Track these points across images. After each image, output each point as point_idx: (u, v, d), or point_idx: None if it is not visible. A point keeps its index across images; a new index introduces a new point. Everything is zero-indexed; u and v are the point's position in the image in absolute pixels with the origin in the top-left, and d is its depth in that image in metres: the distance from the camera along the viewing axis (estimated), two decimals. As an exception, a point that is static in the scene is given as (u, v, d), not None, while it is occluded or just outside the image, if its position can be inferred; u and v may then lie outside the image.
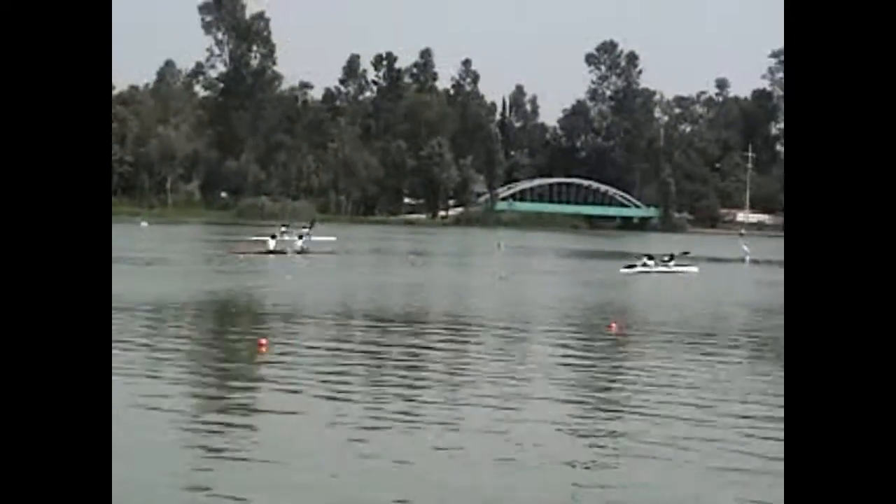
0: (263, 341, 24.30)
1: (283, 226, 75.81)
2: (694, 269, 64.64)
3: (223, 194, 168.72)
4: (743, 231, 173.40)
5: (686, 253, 65.20)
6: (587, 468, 14.46)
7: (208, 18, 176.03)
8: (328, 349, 24.67)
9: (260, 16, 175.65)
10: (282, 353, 23.40)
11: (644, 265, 62.16)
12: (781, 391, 21.32)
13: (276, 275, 48.27)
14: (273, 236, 66.93)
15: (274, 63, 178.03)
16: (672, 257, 64.25)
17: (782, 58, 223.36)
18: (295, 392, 18.98)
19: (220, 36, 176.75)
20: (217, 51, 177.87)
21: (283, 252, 64.58)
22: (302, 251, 66.85)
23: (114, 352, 17.62)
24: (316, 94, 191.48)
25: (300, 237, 69.96)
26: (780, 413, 18.83)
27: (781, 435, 16.79)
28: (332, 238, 75.22)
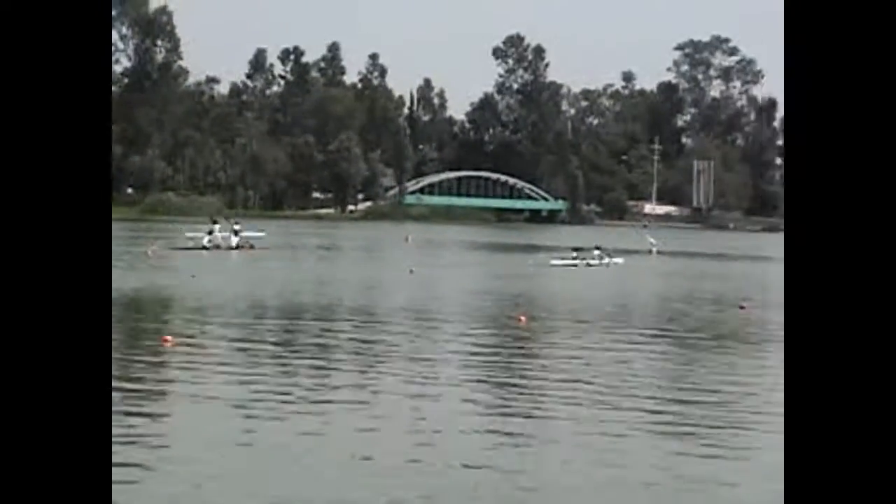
0: (168, 337, 24.01)
1: (214, 222, 73.74)
2: (620, 260, 66.29)
3: (129, 190, 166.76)
4: (646, 223, 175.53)
5: (598, 248, 66.08)
6: (488, 455, 14.45)
7: (112, 13, 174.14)
8: (236, 343, 24.45)
9: (163, 10, 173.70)
10: (187, 348, 23.14)
11: (574, 257, 63.57)
12: (679, 374, 21.73)
13: (209, 271, 47.82)
14: (210, 231, 67.37)
15: (179, 58, 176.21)
16: (599, 248, 66.02)
17: (687, 50, 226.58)
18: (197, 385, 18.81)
19: (123, 31, 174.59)
20: (121, 45, 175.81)
21: (218, 247, 64.85)
22: (239, 247, 67.06)
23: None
24: (223, 88, 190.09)
25: (235, 233, 69.59)
26: (677, 394, 19.14)
27: (676, 414, 17.15)
28: (263, 233, 74.59)
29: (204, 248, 64.35)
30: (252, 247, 67.12)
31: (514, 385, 20.40)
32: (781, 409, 6.67)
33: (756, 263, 76.97)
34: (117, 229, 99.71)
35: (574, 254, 64.17)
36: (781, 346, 27.47)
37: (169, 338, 24.04)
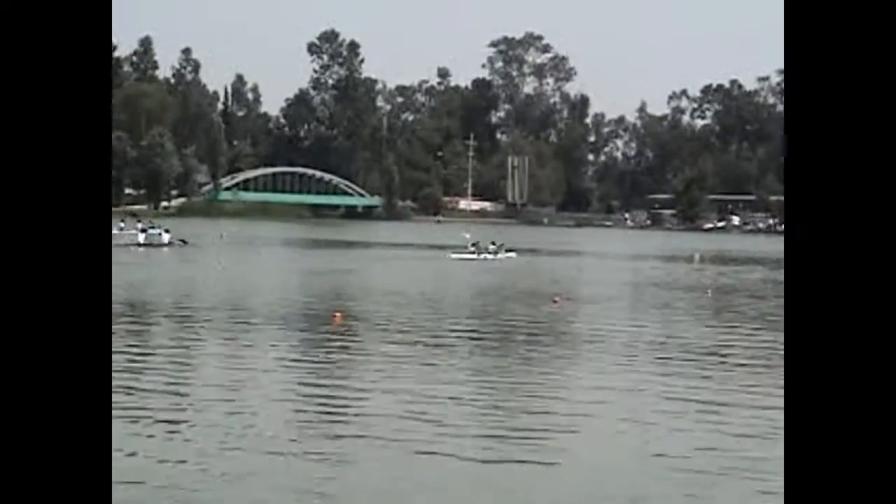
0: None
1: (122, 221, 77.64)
2: (513, 254, 70.30)
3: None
4: (440, 219, 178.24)
5: (493, 243, 70.50)
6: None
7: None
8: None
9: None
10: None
11: (471, 252, 67.62)
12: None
13: None
14: (143, 230, 70.83)
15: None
16: (494, 244, 70.39)
17: (501, 47, 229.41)
18: None
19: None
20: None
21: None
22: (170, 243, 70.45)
23: None
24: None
25: (143, 231, 72.02)
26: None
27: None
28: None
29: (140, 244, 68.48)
30: None
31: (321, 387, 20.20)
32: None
33: (569, 258, 78.16)
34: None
35: (472, 248, 68.40)
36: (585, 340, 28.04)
37: None
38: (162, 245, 70.10)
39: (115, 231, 69.04)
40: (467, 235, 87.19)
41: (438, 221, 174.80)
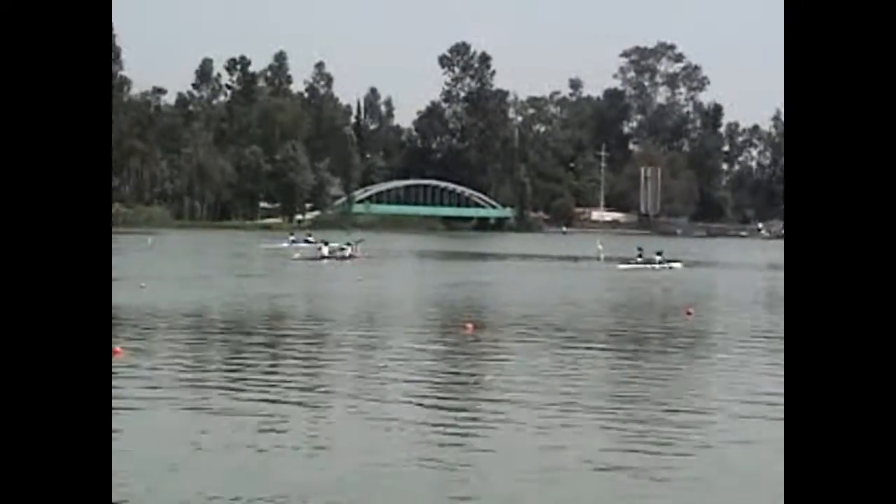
0: (118, 349, 23.65)
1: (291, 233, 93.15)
2: (678, 264, 70.96)
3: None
4: (564, 230, 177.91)
5: (659, 254, 71.37)
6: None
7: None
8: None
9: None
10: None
11: (639, 263, 69.02)
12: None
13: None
14: (325, 242, 76.33)
15: (121, 68, 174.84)
16: (660, 254, 71.28)
17: (634, 57, 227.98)
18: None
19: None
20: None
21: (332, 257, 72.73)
22: (352, 256, 74.41)
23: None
24: (169, 98, 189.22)
25: (348, 243, 77.59)
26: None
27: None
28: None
29: (324, 257, 72.81)
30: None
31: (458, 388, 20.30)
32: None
33: (704, 269, 77.20)
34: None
35: (639, 258, 70.10)
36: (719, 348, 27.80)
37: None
38: (344, 258, 73.73)
39: (284, 244, 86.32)
40: (600, 247, 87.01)
41: (564, 232, 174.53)
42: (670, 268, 69.56)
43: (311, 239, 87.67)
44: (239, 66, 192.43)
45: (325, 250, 74.20)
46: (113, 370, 18.04)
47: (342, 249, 75.87)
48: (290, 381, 21.32)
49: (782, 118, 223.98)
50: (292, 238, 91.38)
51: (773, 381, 21.22)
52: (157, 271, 54.33)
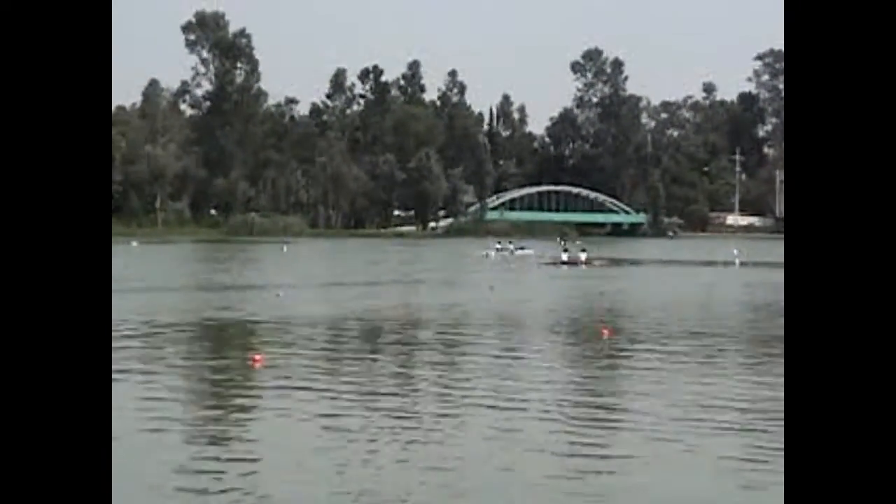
0: (258, 357, 24.22)
1: (498, 242, 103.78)
2: None
3: (213, 212, 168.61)
4: (671, 233, 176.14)
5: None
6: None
7: (192, 37, 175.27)
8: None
9: (242, 32, 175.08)
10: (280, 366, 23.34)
11: None
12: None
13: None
14: (565, 250, 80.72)
15: (258, 79, 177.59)
16: None
17: (768, 60, 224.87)
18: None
19: (204, 54, 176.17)
20: (202, 69, 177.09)
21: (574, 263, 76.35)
22: (587, 262, 77.25)
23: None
24: (303, 109, 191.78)
25: (583, 250, 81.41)
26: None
27: None
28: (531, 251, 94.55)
29: (563, 262, 76.43)
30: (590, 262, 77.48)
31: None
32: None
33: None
34: (200, 250, 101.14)
35: None
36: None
37: (258, 357, 24.27)
38: (580, 263, 76.82)
39: (490, 252, 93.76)
40: (735, 251, 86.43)
41: (670, 236, 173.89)
42: None
43: (510, 245, 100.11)
44: (372, 76, 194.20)
45: (565, 257, 78.23)
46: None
47: (583, 252, 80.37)
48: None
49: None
50: (498, 246, 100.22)
51: None
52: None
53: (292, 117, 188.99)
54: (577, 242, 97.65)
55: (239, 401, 19.66)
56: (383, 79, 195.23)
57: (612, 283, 57.94)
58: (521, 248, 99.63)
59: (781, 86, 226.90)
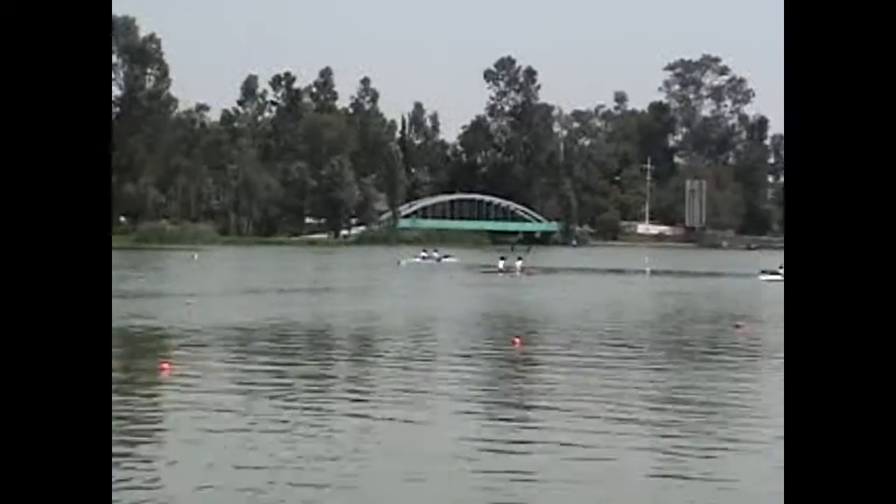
0: (166, 365, 23.86)
1: (423, 250, 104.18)
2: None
3: (122, 219, 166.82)
4: (574, 241, 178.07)
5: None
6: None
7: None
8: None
9: (152, 38, 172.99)
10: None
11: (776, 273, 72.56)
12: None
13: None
14: (502, 258, 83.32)
15: (168, 85, 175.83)
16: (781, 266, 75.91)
17: (678, 70, 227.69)
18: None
19: (113, 59, 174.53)
20: (111, 74, 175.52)
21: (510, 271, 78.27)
22: (523, 270, 79.52)
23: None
24: (214, 115, 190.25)
25: (519, 258, 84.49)
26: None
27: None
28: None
29: (500, 270, 79.29)
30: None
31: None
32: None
33: (749, 281, 77.25)
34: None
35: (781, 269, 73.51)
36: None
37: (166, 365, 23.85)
38: (516, 272, 78.68)
39: (416, 259, 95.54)
40: (647, 259, 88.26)
41: (574, 245, 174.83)
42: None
43: (436, 254, 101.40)
44: (284, 83, 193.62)
45: (501, 265, 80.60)
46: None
47: (519, 260, 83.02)
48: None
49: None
50: (424, 254, 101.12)
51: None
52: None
53: (203, 124, 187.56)
54: (520, 250, 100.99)
55: (143, 408, 19.32)
56: (295, 86, 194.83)
57: (535, 291, 58.27)
58: (447, 256, 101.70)
59: (692, 95, 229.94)
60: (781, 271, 73.82)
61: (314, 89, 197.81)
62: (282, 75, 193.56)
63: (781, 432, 17.79)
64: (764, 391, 23.01)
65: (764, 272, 75.15)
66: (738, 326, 37.45)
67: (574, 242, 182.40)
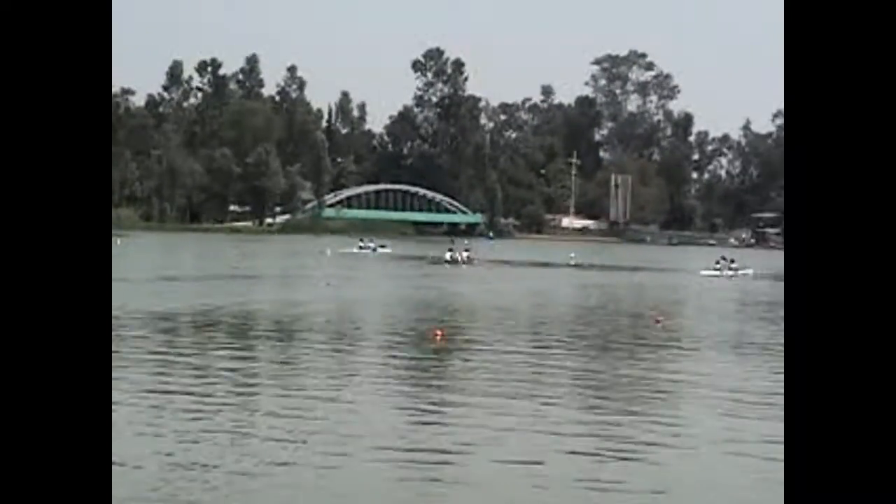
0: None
1: (361, 240, 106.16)
2: (750, 271, 78.50)
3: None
4: (491, 234, 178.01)
5: (734, 261, 78.75)
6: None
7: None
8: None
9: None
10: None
11: (718, 268, 76.21)
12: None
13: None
14: (450, 249, 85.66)
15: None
16: (734, 261, 78.49)
17: (605, 65, 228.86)
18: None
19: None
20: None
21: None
22: (469, 261, 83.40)
23: None
24: (138, 100, 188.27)
25: (466, 250, 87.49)
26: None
27: None
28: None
29: (447, 261, 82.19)
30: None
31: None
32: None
33: (669, 275, 78.14)
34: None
35: (718, 265, 77.10)
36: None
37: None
38: (460, 263, 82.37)
39: (353, 249, 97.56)
40: (573, 255, 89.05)
41: (490, 237, 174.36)
42: (743, 274, 76.94)
43: (371, 244, 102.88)
44: (210, 69, 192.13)
45: (448, 256, 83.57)
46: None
47: (466, 251, 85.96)
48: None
49: (752, 127, 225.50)
50: (361, 244, 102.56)
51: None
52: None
53: (128, 108, 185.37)
54: (466, 242, 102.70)
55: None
56: (221, 72, 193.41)
57: (461, 284, 58.38)
58: (382, 247, 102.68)
59: (618, 90, 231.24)
60: (720, 267, 75.73)
61: (240, 76, 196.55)
62: (208, 61, 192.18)
63: (679, 412, 18.63)
64: (664, 376, 23.66)
65: (708, 268, 77.94)
66: (657, 321, 37.75)
67: (490, 234, 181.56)
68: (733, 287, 65.77)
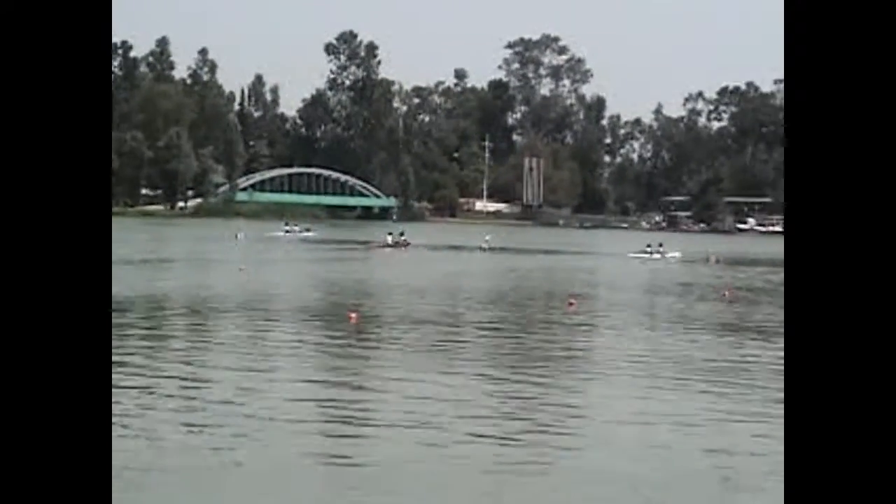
0: None
1: (286, 223, 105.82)
2: (677, 254, 79.92)
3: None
4: (394, 217, 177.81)
5: (661, 244, 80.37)
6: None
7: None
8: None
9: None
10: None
11: (647, 252, 78.27)
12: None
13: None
14: (390, 233, 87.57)
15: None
16: (661, 245, 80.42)
17: (518, 49, 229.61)
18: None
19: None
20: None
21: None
22: (405, 244, 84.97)
23: None
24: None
25: (401, 233, 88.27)
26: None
27: None
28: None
29: (388, 245, 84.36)
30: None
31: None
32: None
33: (584, 258, 78.76)
34: None
35: (649, 248, 79.18)
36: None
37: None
38: (400, 246, 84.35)
39: (279, 233, 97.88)
40: (488, 237, 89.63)
41: (394, 220, 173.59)
42: (670, 257, 78.58)
43: (297, 228, 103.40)
44: (120, 51, 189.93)
45: (389, 239, 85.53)
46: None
47: (402, 234, 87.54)
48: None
49: (664, 112, 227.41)
50: (286, 228, 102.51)
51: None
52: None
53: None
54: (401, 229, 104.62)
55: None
56: (132, 55, 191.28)
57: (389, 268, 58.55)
58: (307, 230, 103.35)
59: (531, 74, 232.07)
60: (650, 250, 78.63)
61: (150, 59, 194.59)
62: (117, 44, 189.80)
63: (569, 381, 18.98)
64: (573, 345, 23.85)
65: (635, 251, 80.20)
66: (570, 304, 38.04)
67: (394, 218, 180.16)
68: (667, 269, 66.81)
